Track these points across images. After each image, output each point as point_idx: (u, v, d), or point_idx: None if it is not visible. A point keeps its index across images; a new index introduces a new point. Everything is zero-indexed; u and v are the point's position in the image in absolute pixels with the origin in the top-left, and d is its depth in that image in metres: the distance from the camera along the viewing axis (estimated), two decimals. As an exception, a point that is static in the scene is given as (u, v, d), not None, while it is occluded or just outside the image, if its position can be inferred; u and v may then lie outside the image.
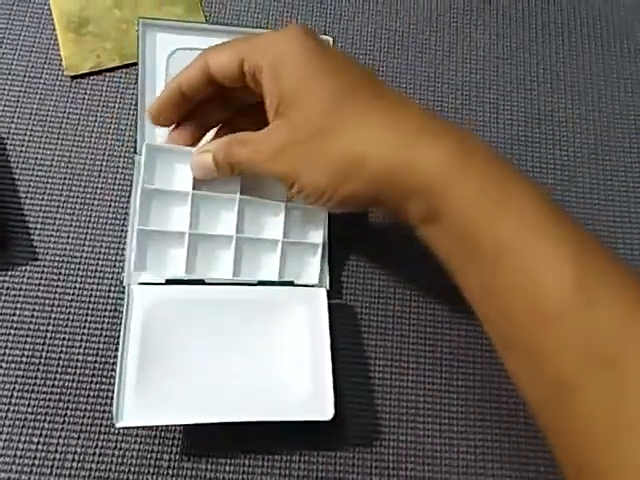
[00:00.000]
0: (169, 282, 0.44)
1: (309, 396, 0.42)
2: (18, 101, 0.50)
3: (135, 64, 0.50)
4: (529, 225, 0.34)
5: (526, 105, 0.55)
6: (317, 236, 0.46)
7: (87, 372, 0.44)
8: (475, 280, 0.36)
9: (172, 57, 0.48)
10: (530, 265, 0.33)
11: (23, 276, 0.46)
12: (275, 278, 0.45)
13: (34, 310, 0.45)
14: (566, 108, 0.55)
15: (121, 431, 0.43)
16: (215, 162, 0.41)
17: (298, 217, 0.45)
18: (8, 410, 0.43)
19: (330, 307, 0.45)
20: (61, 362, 0.44)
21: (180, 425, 0.43)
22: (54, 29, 0.51)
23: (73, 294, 0.46)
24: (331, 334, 0.44)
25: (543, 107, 0.55)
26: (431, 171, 0.35)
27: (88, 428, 0.43)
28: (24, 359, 0.44)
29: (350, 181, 0.37)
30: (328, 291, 0.46)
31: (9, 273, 0.45)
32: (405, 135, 0.36)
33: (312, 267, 0.46)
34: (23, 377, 0.43)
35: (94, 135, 0.50)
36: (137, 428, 0.43)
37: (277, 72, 0.38)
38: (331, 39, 0.49)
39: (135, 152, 0.46)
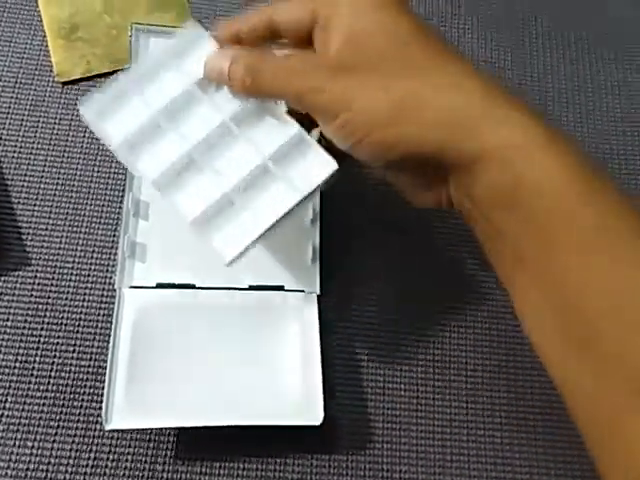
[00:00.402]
0: (160, 286, 0.44)
1: (299, 401, 0.42)
2: (9, 107, 0.50)
3: (126, 69, 0.51)
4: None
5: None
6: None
7: (81, 377, 0.44)
8: (553, 267, 0.31)
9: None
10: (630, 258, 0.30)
11: (16, 281, 0.46)
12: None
13: (27, 315, 0.45)
14: (553, 113, 0.56)
15: (115, 435, 0.43)
16: (230, 71, 0.37)
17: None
18: (2, 415, 0.43)
19: (321, 311, 0.45)
20: (55, 367, 0.44)
21: (170, 428, 0.43)
22: (45, 36, 0.52)
23: (66, 299, 0.46)
24: (324, 338, 0.44)
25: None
26: (508, 136, 0.31)
27: (82, 432, 0.43)
28: (18, 364, 0.44)
29: (405, 122, 0.32)
30: (319, 296, 0.46)
31: (2, 279, 0.46)
32: (476, 92, 0.32)
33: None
34: (17, 382, 0.43)
35: (85, 141, 0.50)
36: (128, 431, 0.43)
37: (354, 11, 0.34)
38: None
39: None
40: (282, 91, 0.35)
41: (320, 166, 0.37)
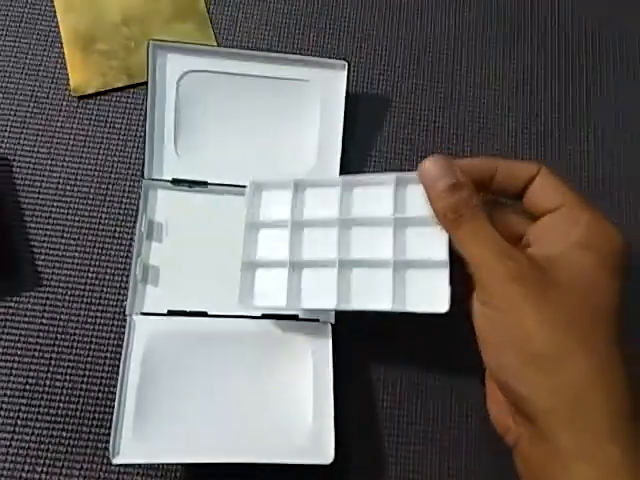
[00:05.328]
0: (171, 313, 0.44)
1: (309, 439, 0.41)
2: (24, 122, 0.49)
3: (143, 84, 0.49)
4: None
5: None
6: (440, 253, 0.38)
7: (90, 401, 0.43)
8: None
9: (182, 79, 0.47)
10: None
11: (28, 302, 0.45)
12: (388, 307, 0.38)
13: (38, 337, 0.45)
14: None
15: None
16: (444, 189, 0.36)
17: (412, 234, 0.40)
18: (12, 438, 0.42)
19: (335, 341, 0.44)
20: (65, 390, 0.44)
21: (179, 464, 0.42)
22: (61, 48, 0.50)
23: (77, 321, 0.45)
24: (337, 369, 0.43)
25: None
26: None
27: (90, 459, 0.42)
28: (28, 387, 0.43)
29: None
30: (334, 325, 0.44)
31: (14, 299, 0.45)
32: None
33: (438, 290, 0.38)
34: (27, 405, 0.43)
35: (100, 157, 0.49)
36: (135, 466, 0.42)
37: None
38: (345, 63, 0.47)
39: (142, 176, 0.46)
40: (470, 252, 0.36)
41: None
